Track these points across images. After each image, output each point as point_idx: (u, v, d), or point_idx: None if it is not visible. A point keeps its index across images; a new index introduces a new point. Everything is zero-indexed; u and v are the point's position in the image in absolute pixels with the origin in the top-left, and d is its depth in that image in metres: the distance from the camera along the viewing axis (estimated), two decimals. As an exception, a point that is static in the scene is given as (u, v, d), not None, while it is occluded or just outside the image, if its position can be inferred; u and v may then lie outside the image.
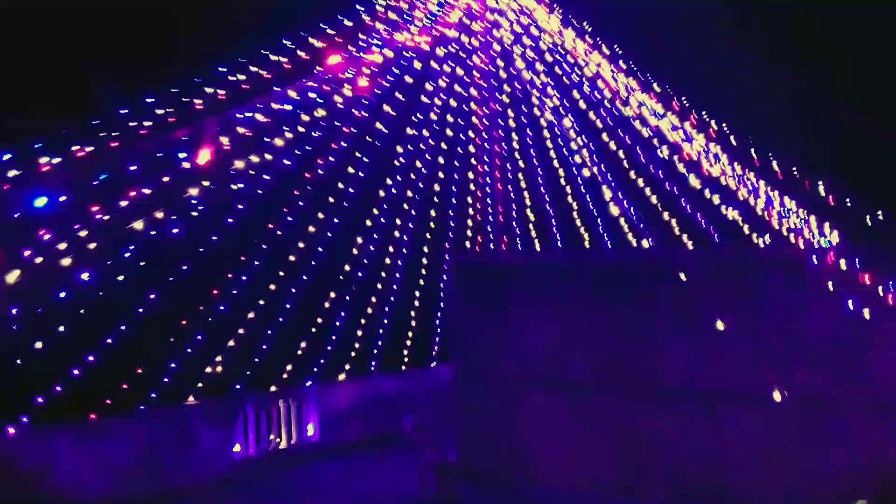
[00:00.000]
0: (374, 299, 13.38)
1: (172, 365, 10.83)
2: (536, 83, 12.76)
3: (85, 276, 8.14)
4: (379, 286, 13.44)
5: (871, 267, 7.48)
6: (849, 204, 10.57)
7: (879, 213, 10.15)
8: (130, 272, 9.39)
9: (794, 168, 11.04)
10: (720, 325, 8.30)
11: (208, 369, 11.18)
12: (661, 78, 12.13)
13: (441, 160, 13.68)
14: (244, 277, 11.23)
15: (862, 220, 10.26)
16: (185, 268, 10.23)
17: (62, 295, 8.38)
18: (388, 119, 12.49)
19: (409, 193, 13.40)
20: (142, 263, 9.61)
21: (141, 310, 10.11)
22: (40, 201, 6.97)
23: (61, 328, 9.19)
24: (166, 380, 10.78)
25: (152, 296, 10.07)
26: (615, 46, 12.27)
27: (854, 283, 7.51)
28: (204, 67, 9.31)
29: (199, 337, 10.87)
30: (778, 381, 8.02)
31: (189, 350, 10.84)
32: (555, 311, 9.89)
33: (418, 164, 13.34)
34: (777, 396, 7.92)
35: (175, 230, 8.77)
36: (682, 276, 8.85)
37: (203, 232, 10.20)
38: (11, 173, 7.55)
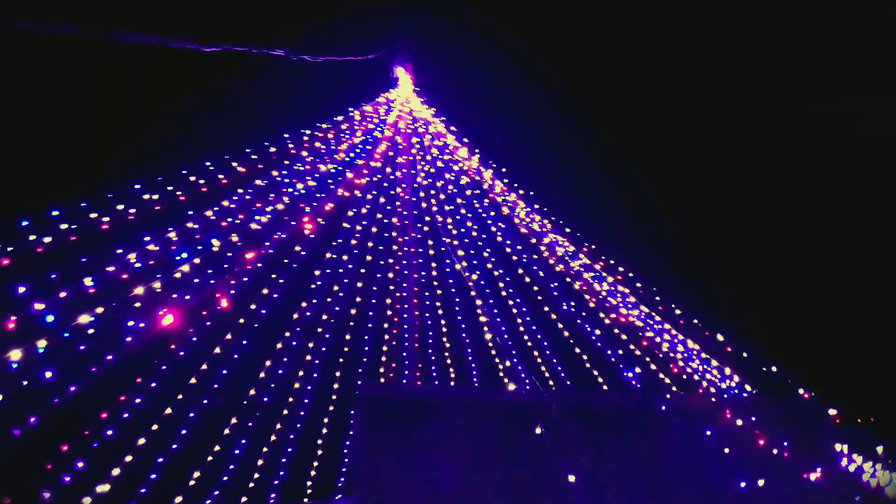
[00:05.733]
0: (278, 426, 12.78)
1: (46, 495, 9.89)
2: (455, 217, 13.14)
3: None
4: (285, 412, 12.88)
5: (767, 422, 7.72)
6: (745, 355, 11.09)
7: (773, 366, 10.68)
8: (7, 393, 8.67)
9: (694, 318, 11.58)
10: (571, 478, 8.35)
11: (86, 500, 10.24)
12: (570, 220, 12.73)
13: (359, 285, 13.63)
14: (138, 400, 10.57)
15: (758, 370, 10.76)
16: (72, 389, 9.55)
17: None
18: (307, 242, 12.46)
19: (325, 317, 13.17)
20: (24, 383, 8.93)
21: (17, 432, 9.31)
22: None
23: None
24: (37, 511, 9.81)
25: (32, 419, 9.30)
26: (530, 192, 12.88)
27: (751, 438, 7.71)
28: (120, 186, 9.14)
29: (79, 464, 10.01)
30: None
31: (67, 479, 9.95)
32: (466, 449, 9.72)
33: (335, 287, 13.23)
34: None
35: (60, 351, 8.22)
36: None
37: (95, 351, 9.62)
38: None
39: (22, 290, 7.35)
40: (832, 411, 10.16)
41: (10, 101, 12.32)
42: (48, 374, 7.74)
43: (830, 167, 17.29)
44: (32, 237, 8.04)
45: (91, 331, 8.98)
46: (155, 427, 10.91)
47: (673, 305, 11.76)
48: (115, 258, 8.38)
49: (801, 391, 10.60)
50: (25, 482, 9.92)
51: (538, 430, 8.84)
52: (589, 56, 17.57)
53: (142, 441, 10.79)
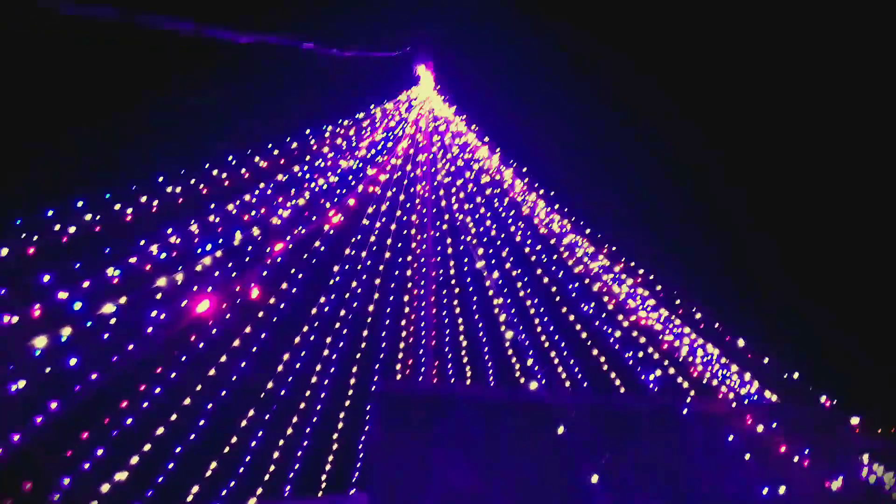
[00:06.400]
0: (294, 419, 12.84)
1: (66, 481, 10.02)
2: (475, 215, 13.12)
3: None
4: (302, 405, 12.93)
5: (788, 429, 7.63)
6: (766, 361, 10.96)
7: (796, 374, 10.54)
8: (31, 379, 8.79)
9: (717, 323, 11.47)
10: (594, 479, 8.30)
11: (105, 487, 10.35)
12: (591, 222, 12.67)
13: (377, 282, 13.65)
14: (158, 390, 10.66)
15: (780, 376, 10.62)
16: (94, 377, 9.66)
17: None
18: (327, 237, 12.51)
19: (343, 313, 13.21)
20: (47, 370, 9.04)
21: (39, 419, 9.43)
22: None
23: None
24: (56, 496, 9.94)
25: (53, 405, 9.42)
26: (551, 192, 12.83)
27: (771, 445, 7.62)
28: (144, 178, 9.23)
29: (99, 451, 10.13)
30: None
31: (86, 466, 10.08)
32: (480, 447, 9.71)
33: (354, 283, 13.26)
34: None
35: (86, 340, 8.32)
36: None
37: (117, 341, 9.72)
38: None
39: (46, 279, 7.45)
40: (854, 420, 10.02)
41: (36, 93, 12.49)
42: (72, 362, 7.84)
43: (859, 169, 17.00)
44: (57, 227, 8.14)
45: (113, 321, 9.09)
46: (173, 417, 11.01)
47: (693, 309, 11.66)
48: (137, 249, 8.46)
49: (823, 399, 10.45)
50: (45, 468, 10.05)
51: (560, 430, 8.80)
52: (616, 52, 17.43)
53: (160, 431, 10.90)
